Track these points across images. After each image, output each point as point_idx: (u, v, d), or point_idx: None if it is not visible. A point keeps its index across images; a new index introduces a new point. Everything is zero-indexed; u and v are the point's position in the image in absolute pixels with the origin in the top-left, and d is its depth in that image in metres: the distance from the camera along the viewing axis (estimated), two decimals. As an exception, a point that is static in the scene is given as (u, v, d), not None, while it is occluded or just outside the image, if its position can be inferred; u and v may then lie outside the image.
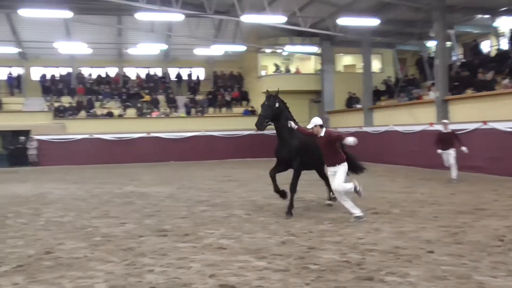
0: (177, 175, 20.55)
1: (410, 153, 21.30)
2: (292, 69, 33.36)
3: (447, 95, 21.10)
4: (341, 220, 9.15)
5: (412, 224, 8.71)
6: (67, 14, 23.41)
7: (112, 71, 34.74)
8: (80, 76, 33.79)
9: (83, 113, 30.88)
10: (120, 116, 31.08)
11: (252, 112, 32.31)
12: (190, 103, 32.77)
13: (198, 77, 35.67)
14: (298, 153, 9.96)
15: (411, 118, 22.78)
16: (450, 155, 14.88)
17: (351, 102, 29.62)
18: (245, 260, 6.54)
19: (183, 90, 34.71)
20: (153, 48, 31.56)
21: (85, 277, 5.92)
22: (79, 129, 28.85)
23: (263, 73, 33.43)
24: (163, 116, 31.60)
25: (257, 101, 32.70)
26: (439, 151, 15.12)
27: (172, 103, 32.77)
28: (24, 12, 22.92)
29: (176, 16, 24.35)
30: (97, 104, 32.00)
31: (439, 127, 16.45)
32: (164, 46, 31.75)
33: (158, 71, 35.35)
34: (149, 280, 5.76)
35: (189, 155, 28.55)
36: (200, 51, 32.13)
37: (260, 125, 9.81)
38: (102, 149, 28.13)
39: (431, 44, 27.50)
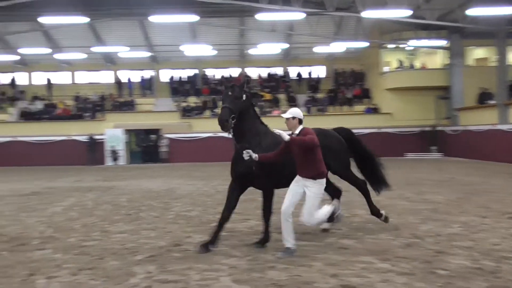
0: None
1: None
2: (417, 64, 31.93)
3: None
4: (473, 224, 8.53)
5: (556, 231, 7.88)
6: (193, 18, 24.68)
7: (235, 72, 35.91)
8: (204, 77, 35.44)
9: (207, 113, 32.28)
10: (242, 115, 31.98)
11: (374, 110, 31.49)
12: (310, 101, 32.80)
13: (318, 75, 35.58)
14: (270, 170, 7.10)
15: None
16: None
17: (484, 97, 27.60)
18: (368, 261, 6.35)
19: (304, 88, 34.81)
20: (274, 47, 32.03)
21: (211, 270, 6.12)
22: (204, 127, 30.22)
23: (386, 69, 32.41)
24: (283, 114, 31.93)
25: (380, 99, 31.86)
26: None
27: (292, 102, 32.99)
28: (155, 18, 24.58)
29: (297, 15, 24.52)
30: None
31: None
32: (285, 45, 32.06)
33: (279, 71, 35.83)
34: (271, 276, 5.81)
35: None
36: (320, 49, 32.05)
37: (225, 121, 7.17)
38: (225, 147, 29.09)
39: None
